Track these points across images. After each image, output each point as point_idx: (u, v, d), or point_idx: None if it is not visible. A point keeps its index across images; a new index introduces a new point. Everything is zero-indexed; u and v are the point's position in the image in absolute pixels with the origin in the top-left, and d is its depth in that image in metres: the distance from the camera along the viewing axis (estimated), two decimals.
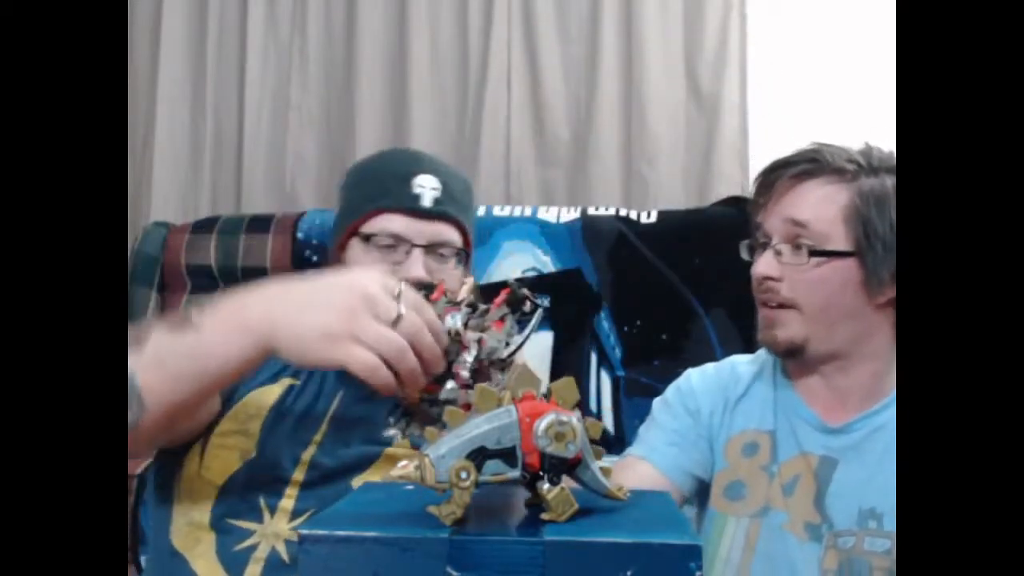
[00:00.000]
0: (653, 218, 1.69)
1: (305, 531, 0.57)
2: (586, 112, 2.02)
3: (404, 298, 0.76)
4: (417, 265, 1.06)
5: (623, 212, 1.71)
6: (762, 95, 1.97)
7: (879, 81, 1.84)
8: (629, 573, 0.54)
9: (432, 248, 1.08)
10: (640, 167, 1.98)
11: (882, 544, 0.98)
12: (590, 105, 2.02)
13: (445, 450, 0.60)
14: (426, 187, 1.08)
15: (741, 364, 1.16)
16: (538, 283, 1.66)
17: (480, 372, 0.76)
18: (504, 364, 0.77)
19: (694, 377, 1.16)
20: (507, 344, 0.77)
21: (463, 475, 0.59)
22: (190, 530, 1.02)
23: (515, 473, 0.61)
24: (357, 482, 1.03)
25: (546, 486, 0.61)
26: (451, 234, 1.10)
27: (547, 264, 1.66)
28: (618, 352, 1.61)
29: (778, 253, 1.02)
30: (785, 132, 1.89)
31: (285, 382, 1.05)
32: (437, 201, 1.08)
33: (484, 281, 1.66)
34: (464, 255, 1.12)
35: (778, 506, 1.04)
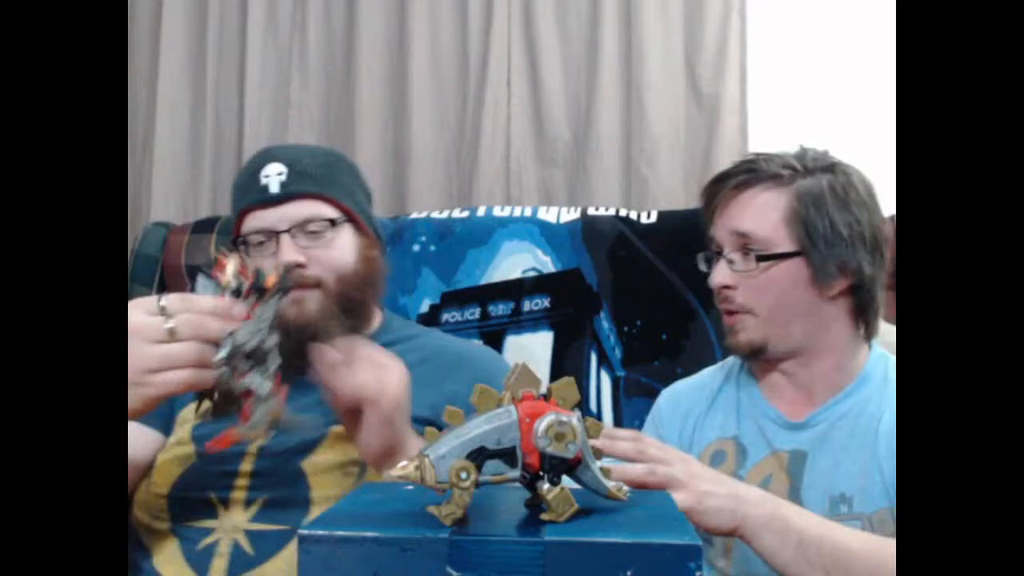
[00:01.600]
0: (653, 218, 1.68)
1: (305, 531, 0.57)
2: (586, 112, 2.02)
3: (170, 307, 0.79)
4: (286, 250, 1.07)
5: (623, 212, 1.70)
6: (762, 95, 1.97)
7: (879, 81, 1.84)
8: (629, 573, 0.54)
9: (300, 228, 1.09)
10: (640, 167, 1.98)
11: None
12: (590, 105, 2.01)
13: (445, 450, 0.60)
14: (271, 175, 1.10)
15: (708, 374, 1.22)
16: (538, 283, 1.66)
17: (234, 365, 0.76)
18: (260, 356, 0.76)
19: (663, 402, 1.22)
20: (260, 335, 0.77)
21: (463, 475, 0.59)
22: (154, 539, 1.03)
23: (515, 473, 0.61)
24: (307, 464, 1.04)
25: (546, 486, 0.61)
26: (312, 209, 1.11)
27: (547, 264, 1.66)
28: (618, 352, 1.61)
29: (730, 262, 1.07)
30: (785, 132, 1.89)
31: None
32: (284, 184, 1.10)
33: (484, 281, 1.66)
34: (347, 221, 1.13)
35: None
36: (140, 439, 1.08)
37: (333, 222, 1.11)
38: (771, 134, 1.90)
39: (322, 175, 1.13)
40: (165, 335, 0.78)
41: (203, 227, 1.84)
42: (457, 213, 1.75)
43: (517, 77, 2.04)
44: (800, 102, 1.93)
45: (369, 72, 2.09)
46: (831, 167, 1.07)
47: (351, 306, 1.10)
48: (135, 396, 0.80)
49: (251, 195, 1.10)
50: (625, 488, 0.66)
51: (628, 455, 0.90)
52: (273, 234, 1.08)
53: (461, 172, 2.07)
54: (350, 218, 1.13)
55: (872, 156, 1.79)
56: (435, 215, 1.75)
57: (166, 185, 2.12)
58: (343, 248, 1.11)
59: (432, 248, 1.68)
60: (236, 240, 1.13)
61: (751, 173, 1.07)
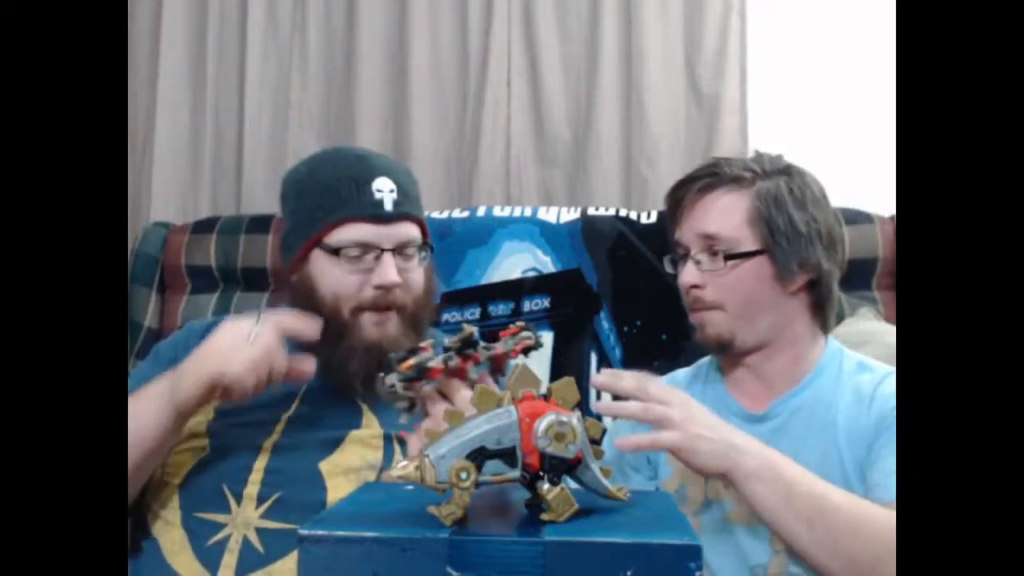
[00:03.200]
0: (653, 218, 1.68)
1: (305, 531, 0.57)
2: (586, 112, 2.02)
3: (262, 323, 0.97)
4: (390, 270, 1.07)
5: (623, 212, 1.71)
6: (762, 95, 1.97)
7: (879, 81, 1.84)
8: (629, 573, 0.54)
9: (398, 249, 1.09)
10: (640, 167, 1.98)
11: None
12: (590, 105, 2.01)
13: (445, 450, 0.60)
14: (384, 190, 1.09)
15: (680, 373, 1.27)
16: (538, 283, 1.66)
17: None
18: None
19: None
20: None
21: (463, 475, 0.59)
22: (164, 530, 1.03)
23: (515, 473, 0.61)
24: (324, 465, 1.04)
25: (546, 486, 0.61)
26: (414, 232, 1.12)
27: (547, 264, 1.66)
28: (618, 352, 1.61)
29: (698, 262, 1.12)
30: (785, 132, 1.89)
31: None
32: (397, 203, 1.10)
33: (484, 281, 1.66)
34: (429, 248, 1.14)
35: (721, 498, 1.10)
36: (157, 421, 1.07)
37: (429, 247, 1.13)
38: (771, 134, 1.90)
39: (416, 197, 1.15)
40: (248, 339, 0.96)
41: (203, 227, 1.84)
42: (457, 213, 1.75)
43: (517, 77, 2.04)
44: (800, 102, 1.93)
45: (369, 72, 2.09)
46: (787, 169, 1.13)
47: (418, 328, 1.11)
48: (200, 367, 0.96)
49: (363, 207, 1.08)
50: (625, 488, 0.66)
51: (629, 392, 0.94)
52: (373, 249, 1.08)
53: (461, 172, 2.07)
54: (429, 247, 1.14)
55: (872, 156, 1.80)
56: (435, 215, 1.75)
57: (166, 185, 2.12)
58: (421, 272, 1.13)
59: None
60: (317, 245, 1.10)
61: (714, 176, 1.12)
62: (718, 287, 1.11)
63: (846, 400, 1.08)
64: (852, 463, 1.04)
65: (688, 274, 1.12)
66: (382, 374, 0.86)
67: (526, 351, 0.90)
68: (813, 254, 1.10)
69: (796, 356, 1.13)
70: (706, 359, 1.24)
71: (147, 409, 0.99)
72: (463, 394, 0.88)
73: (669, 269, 1.20)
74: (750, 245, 1.09)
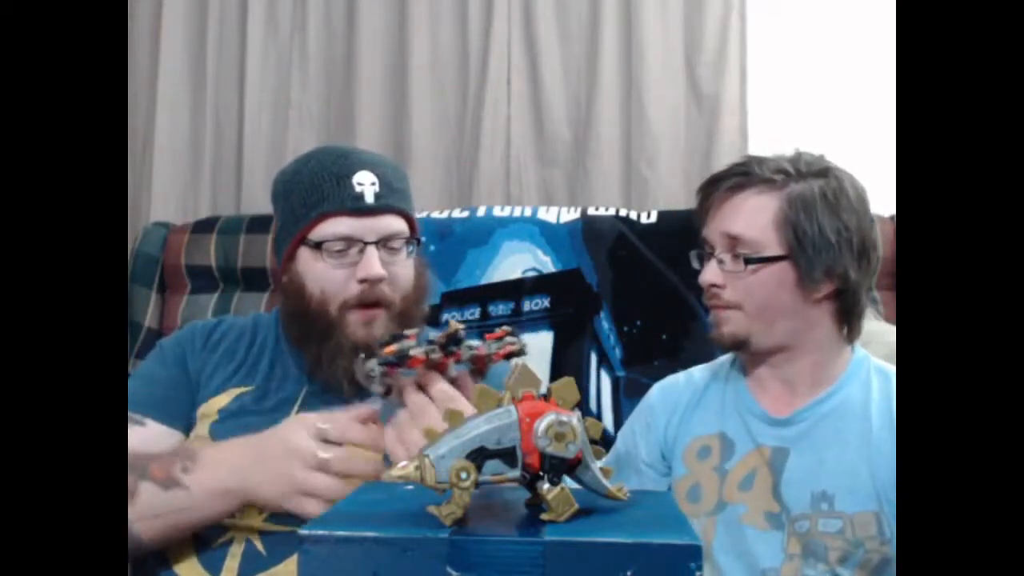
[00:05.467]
0: (653, 218, 1.68)
1: (305, 531, 0.57)
2: (586, 112, 2.02)
3: (330, 435, 0.92)
4: (374, 262, 1.06)
5: (623, 212, 1.71)
6: (762, 95, 1.97)
7: (879, 81, 1.84)
8: (629, 573, 0.54)
9: (383, 242, 1.08)
10: (640, 167, 1.98)
11: (835, 524, 1.04)
12: (590, 105, 2.02)
13: (445, 450, 0.60)
14: (365, 183, 1.09)
15: (698, 371, 1.25)
16: (538, 283, 1.66)
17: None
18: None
19: (655, 393, 1.26)
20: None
21: (463, 475, 0.59)
22: None
23: (515, 473, 0.61)
24: None
25: (546, 486, 0.61)
26: (399, 225, 1.10)
27: (547, 264, 1.66)
28: (618, 352, 1.61)
29: (720, 262, 1.10)
30: (785, 132, 1.89)
31: (233, 392, 1.09)
32: (378, 196, 1.09)
33: (484, 281, 1.66)
34: (415, 242, 1.13)
35: (735, 501, 1.10)
36: (163, 439, 1.07)
37: (416, 241, 1.12)
38: (771, 134, 1.90)
39: (402, 191, 1.13)
40: (318, 463, 0.91)
41: (203, 227, 1.84)
42: (457, 213, 1.75)
43: (517, 77, 2.04)
44: (800, 102, 1.93)
45: (369, 72, 2.09)
46: (825, 171, 1.09)
47: (408, 325, 1.11)
48: (279, 500, 0.92)
49: (344, 200, 1.07)
50: (625, 488, 0.66)
51: None
52: (357, 243, 1.07)
53: (461, 172, 2.07)
54: (417, 240, 1.14)
55: (872, 156, 1.80)
56: (435, 215, 1.75)
57: (166, 185, 2.12)
58: (409, 267, 1.11)
59: (432, 248, 1.68)
60: (303, 241, 1.09)
61: (744, 176, 1.10)
62: (738, 289, 1.09)
63: (881, 412, 1.07)
64: (887, 480, 1.02)
65: (709, 273, 1.11)
66: (362, 355, 0.85)
67: (508, 357, 0.89)
68: (840, 263, 1.06)
69: (819, 362, 1.11)
70: (725, 357, 1.22)
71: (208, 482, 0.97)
72: (440, 387, 0.86)
73: (695, 265, 1.17)
74: (774, 249, 1.07)
